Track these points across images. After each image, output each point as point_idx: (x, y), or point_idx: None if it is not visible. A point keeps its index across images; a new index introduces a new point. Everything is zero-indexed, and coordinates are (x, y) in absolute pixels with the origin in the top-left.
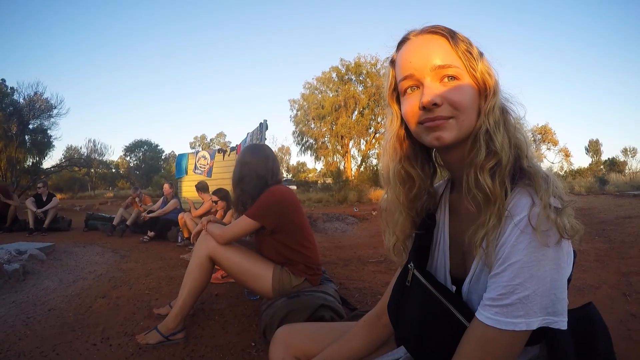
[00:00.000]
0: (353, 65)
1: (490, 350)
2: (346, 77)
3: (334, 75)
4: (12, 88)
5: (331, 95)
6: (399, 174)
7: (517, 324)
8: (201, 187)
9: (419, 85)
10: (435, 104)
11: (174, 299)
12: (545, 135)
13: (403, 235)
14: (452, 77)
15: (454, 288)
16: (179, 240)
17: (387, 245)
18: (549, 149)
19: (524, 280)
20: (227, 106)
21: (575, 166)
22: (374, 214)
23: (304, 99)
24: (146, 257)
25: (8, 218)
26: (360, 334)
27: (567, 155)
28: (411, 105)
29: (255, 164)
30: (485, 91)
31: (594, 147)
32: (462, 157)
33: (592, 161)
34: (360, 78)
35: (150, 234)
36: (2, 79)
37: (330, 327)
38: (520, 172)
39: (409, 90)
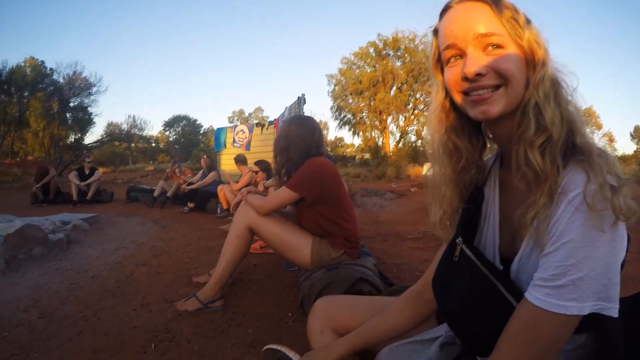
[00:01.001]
0: (391, 40)
1: (538, 333)
2: (384, 52)
3: (371, 50)
4: (51, 69)
5: (369, 70)
6: (446, 145)
7: (568, 307)
8: (240, 160)
9: (461, 54)
10: (479, 74)
11: (212, 268)
12: (588, 118)
13: (450, 208)
14: (497, 46)
15: (501, 267)
16: (219, 212)
17: (433, 219)
18: (592, 132)
19: (577, 261)
20: (265, 80)
21: (619, 152)
22: (412, 190)
23: (342, 74)
24: (186, 228)
25: (50, 190)
26: (402, 310)
27: (610, 140)
28: (453, 75)
29: (303, 133)
30: (533, 61)
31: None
32: (511, 131)
33: (637, 148)
34: (399, 53)
35: (190, 205)
36: (42, 61)
37: (370, 301)
38: (572, 148)
39: (452, 60)
